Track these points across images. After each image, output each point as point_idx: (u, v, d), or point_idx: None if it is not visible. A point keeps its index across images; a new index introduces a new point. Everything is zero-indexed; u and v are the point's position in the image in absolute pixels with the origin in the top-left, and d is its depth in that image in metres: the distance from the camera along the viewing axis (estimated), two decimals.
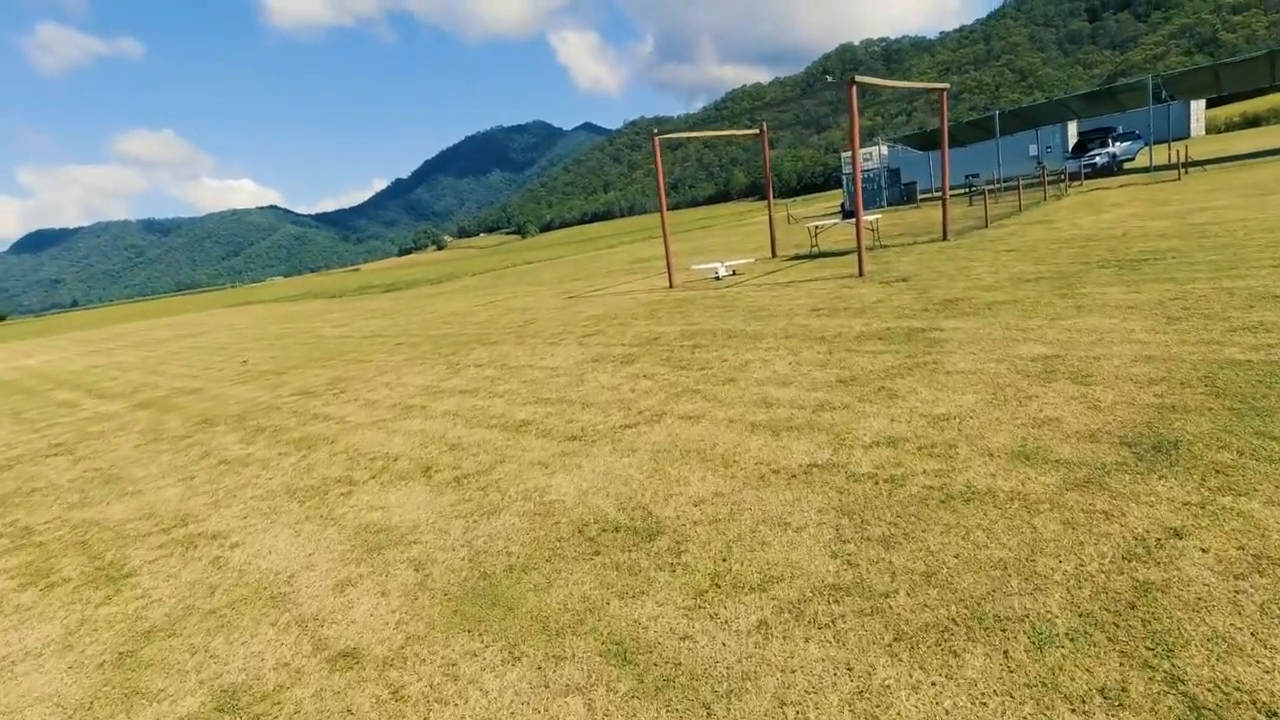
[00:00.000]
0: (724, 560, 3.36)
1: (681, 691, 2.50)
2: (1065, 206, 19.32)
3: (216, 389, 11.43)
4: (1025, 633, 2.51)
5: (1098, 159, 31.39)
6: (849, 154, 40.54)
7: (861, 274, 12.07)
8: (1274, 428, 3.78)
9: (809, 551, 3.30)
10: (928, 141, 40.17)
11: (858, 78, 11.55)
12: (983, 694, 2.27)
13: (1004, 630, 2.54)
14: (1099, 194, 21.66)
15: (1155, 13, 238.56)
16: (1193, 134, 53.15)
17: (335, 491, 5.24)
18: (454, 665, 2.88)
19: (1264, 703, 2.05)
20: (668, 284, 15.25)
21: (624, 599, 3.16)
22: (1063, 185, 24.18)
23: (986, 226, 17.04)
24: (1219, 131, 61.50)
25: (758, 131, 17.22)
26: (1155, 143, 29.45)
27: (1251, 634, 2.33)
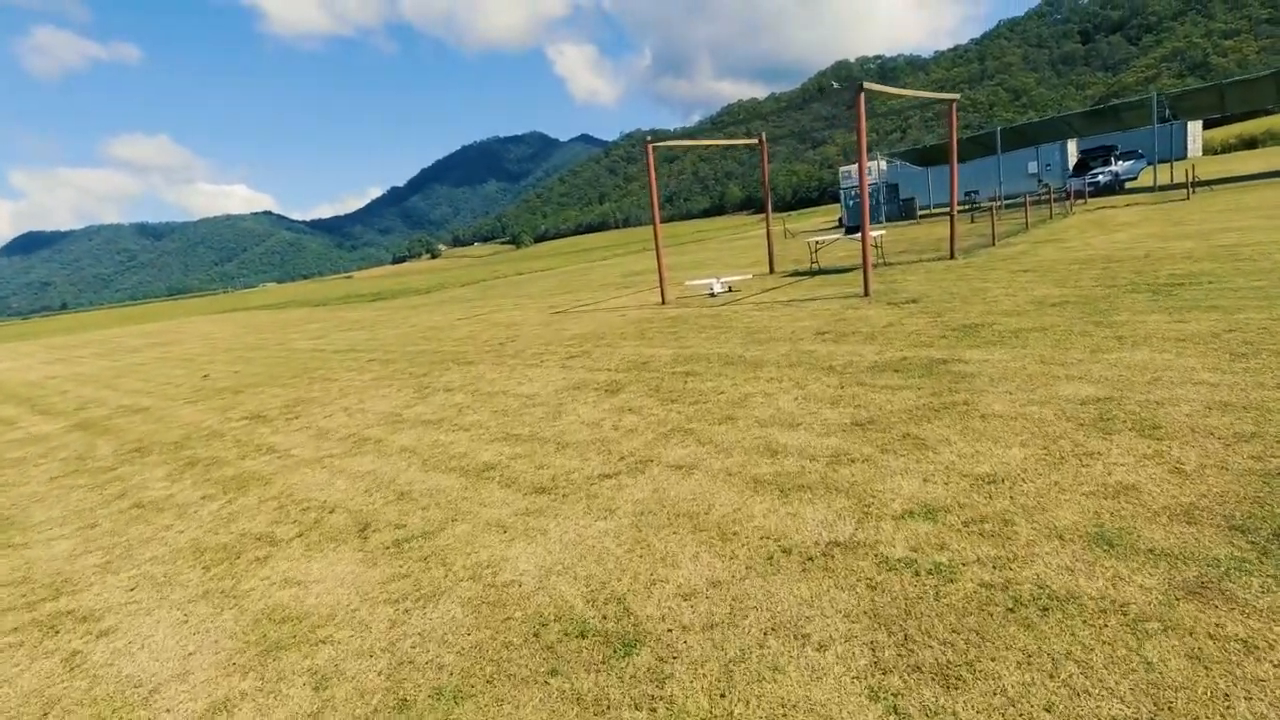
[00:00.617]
0: (722, 696, 2.47)
1: None
2: (1073, 225, 18.62)
3: (165, 408, 10.48)
4: None
5: (1100, 177, 30.84)
6: (847, 168, 39.96)
7: (867, 293, 11.25)
8: None
9: (838, 687, 2.42)
10: (927, 157, 39.63)
11: (867, 85, 10.79)
12: None
13: None
14: (1106, 213, 20.99)
15: (1147, 36, 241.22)
16: (1190, 154, 52.88)
17: (250, 555, 4.33)
18: None
19: None
20: (660, 300, 14.41)
21: None
22: (1068, 203, 23.52)
23: (994, 245, 16.30)
24: (1215, 153, 61.32)
25: (756, 141, 16.46)
26: (1156, 163, 28.88)
27: None
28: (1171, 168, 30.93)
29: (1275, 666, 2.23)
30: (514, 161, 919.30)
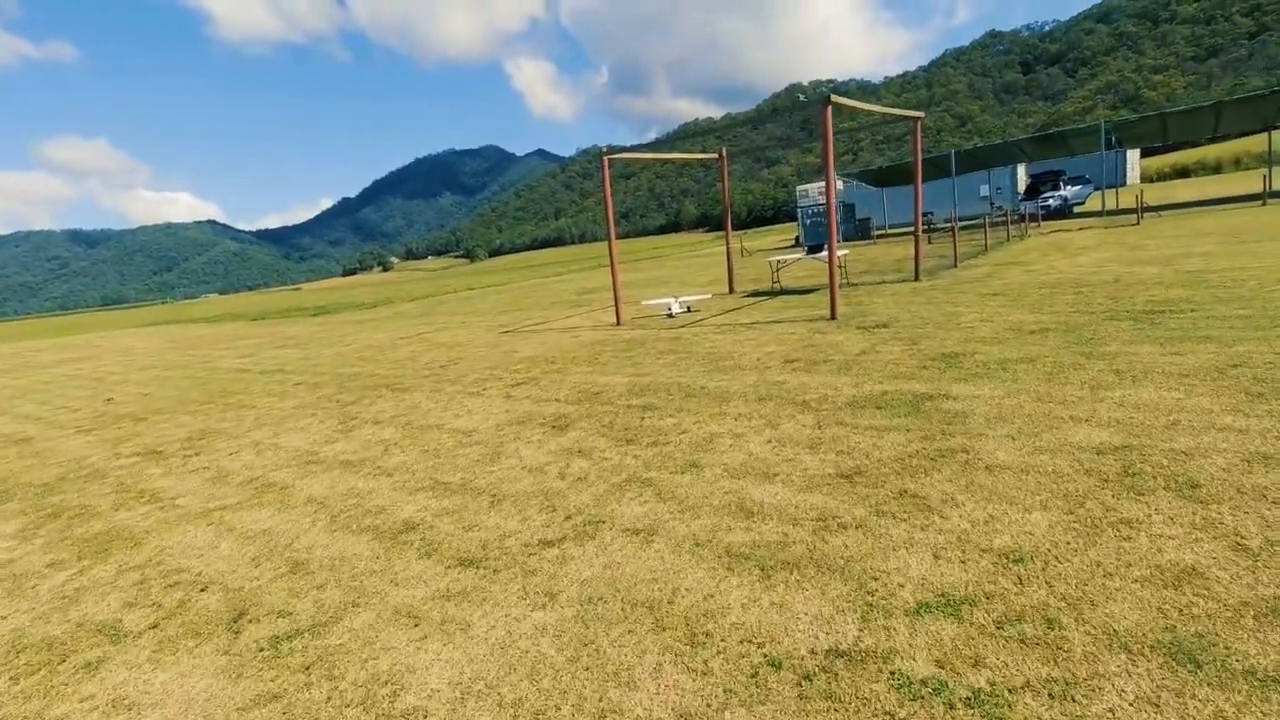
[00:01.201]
0: None
1: None
2: (1032, 247, 18.54)
3: (51, 439, 9.22)
4: None
5: (1050, 201, 31.36)
6: (804, 187, 39.99)
7: (834, 317, 10.67)
8: None
9: None
10: (882, 177, 39.95)
11: (834, 98, 10.26)
12: None
13: None
14: (1061, 236, 21.08)
15: (1082, 69, 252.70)
16: (1129, 181, 54.78)
17: (81, 657, 3.35)
18: None
19: None
20: (615, 321, 13.62)
21: None
22: (1024, 226, 23.64)
23: (956, 266, 16.01)
24: (1151, 180, 63.79)
25: (716, 155, 15.90)
26: (1104, 188, 29.48)
27: None
28: (1117, 193, 31.65)
29: None
30: (470, 175, 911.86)
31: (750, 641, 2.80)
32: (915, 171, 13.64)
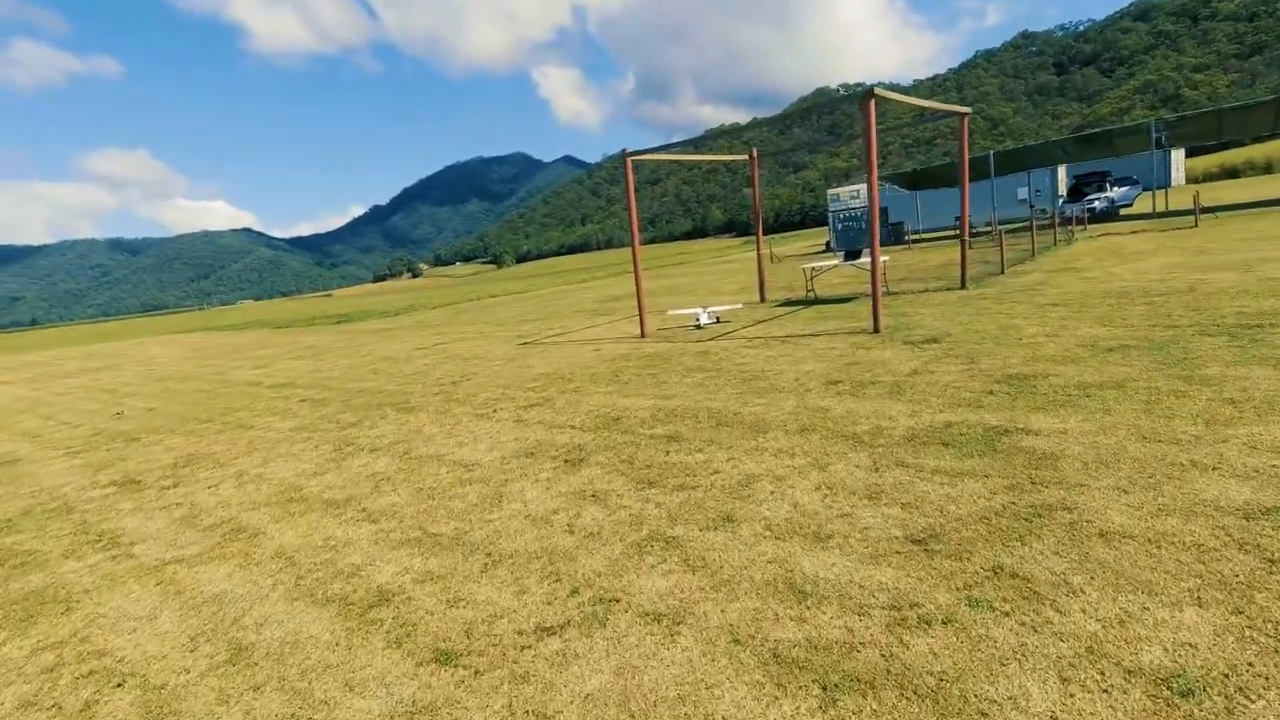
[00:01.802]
0: None
1: None
2: (1082, 252, 17.39)
3: (37, 461, 8.67)
4: None
5: (1096, 203, 29.93)
6: (835, 190, 38.88)
7: (878, 330, 9.76)
8: None
9: None
10: (915, 180, 38.69)
11: (878, 91, 9.38)
12: None
13: None
14: (1112, 240, 19.84)
15: (1119, 69, 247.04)
16: (1173, 182, 52.68)
17: None
18: None
19: None
20: (639, 333, 12.82)
21: None
22: (1070, 230, 22.41)
23: (1003, 273, 14.97)
24: (1197, 181, 61.42)
25: (747, 157, 15.05)
26: (1154, 190, 28.01)
27: None
28: (1168, 195, 30.12)
29: None
30: (497, 182, 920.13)
31: None
32: (961, 172, 12.66)
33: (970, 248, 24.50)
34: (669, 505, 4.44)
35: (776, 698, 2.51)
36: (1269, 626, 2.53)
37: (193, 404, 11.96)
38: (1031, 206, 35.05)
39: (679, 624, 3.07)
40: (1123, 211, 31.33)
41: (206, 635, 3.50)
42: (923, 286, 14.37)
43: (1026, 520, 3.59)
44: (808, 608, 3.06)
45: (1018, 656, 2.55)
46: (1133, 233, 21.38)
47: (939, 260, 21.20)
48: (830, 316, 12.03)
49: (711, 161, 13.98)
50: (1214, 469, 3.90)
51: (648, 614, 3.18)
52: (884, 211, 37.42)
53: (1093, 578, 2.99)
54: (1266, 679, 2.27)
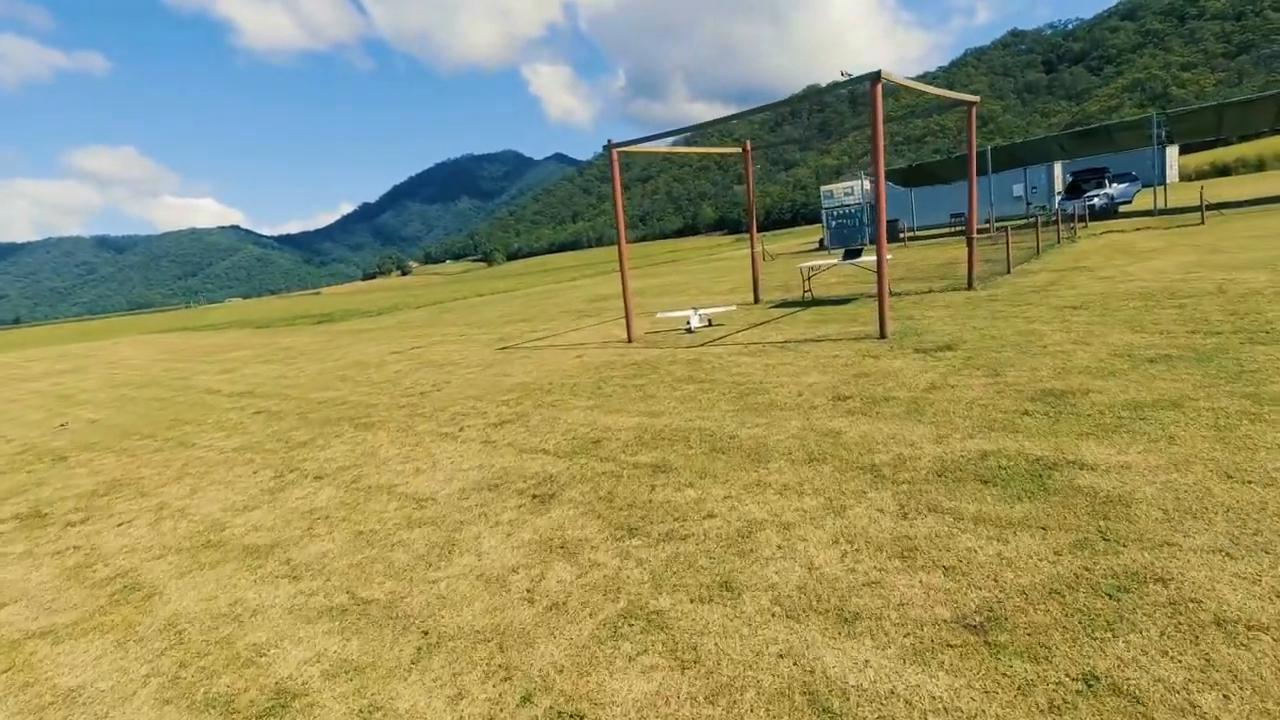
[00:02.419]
0: None
1: None
2: (1090, 250, 16.68)
3: None
4: None
5: (1095, 200, 29.30)
6: (829, 187, 38.14)
7: (884, 335, 8.96)
8: None
9: None
10: (910, 177, 37.99)
11: (885, 75, 8.58)
12: None
13: None
14: (1117, 237, 19.16)
15: (1108, 67, 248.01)
16: (1168, 179, 52.22)
17: None
18: None
19: None
20: (626, 336, 11.98)
21: None
22: (1073, 226, 21.72)
23: (1009, 272, 14.22)
24: (1189, 179, 61.09)
25: (740, 150, 14.23)
26: (1156, 186, 27.41)
27: None
28: (1166, 192, 29.52)
29: None
30: (488, 179, 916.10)
31: None
32: (969, 165, 11.88)
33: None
34: (653, 563, 3.61)
35: None
36: None
37: (142, 415, 11.04)
38: (1028, 204, 34.44)
39: None
40: (1121, 208, 30.73)
41: None
42: (926, 287, 13.60)
43: (1111, 598, 2.78)
44: None
45: None
46: (1137, 230, 20.71)
47: (939, 258, 20.48)
48: (830, 319, 11.23)
49: (703, 154, 13.18)
50: None
51: None
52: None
53: (1227, 697, 2.18)
54: None
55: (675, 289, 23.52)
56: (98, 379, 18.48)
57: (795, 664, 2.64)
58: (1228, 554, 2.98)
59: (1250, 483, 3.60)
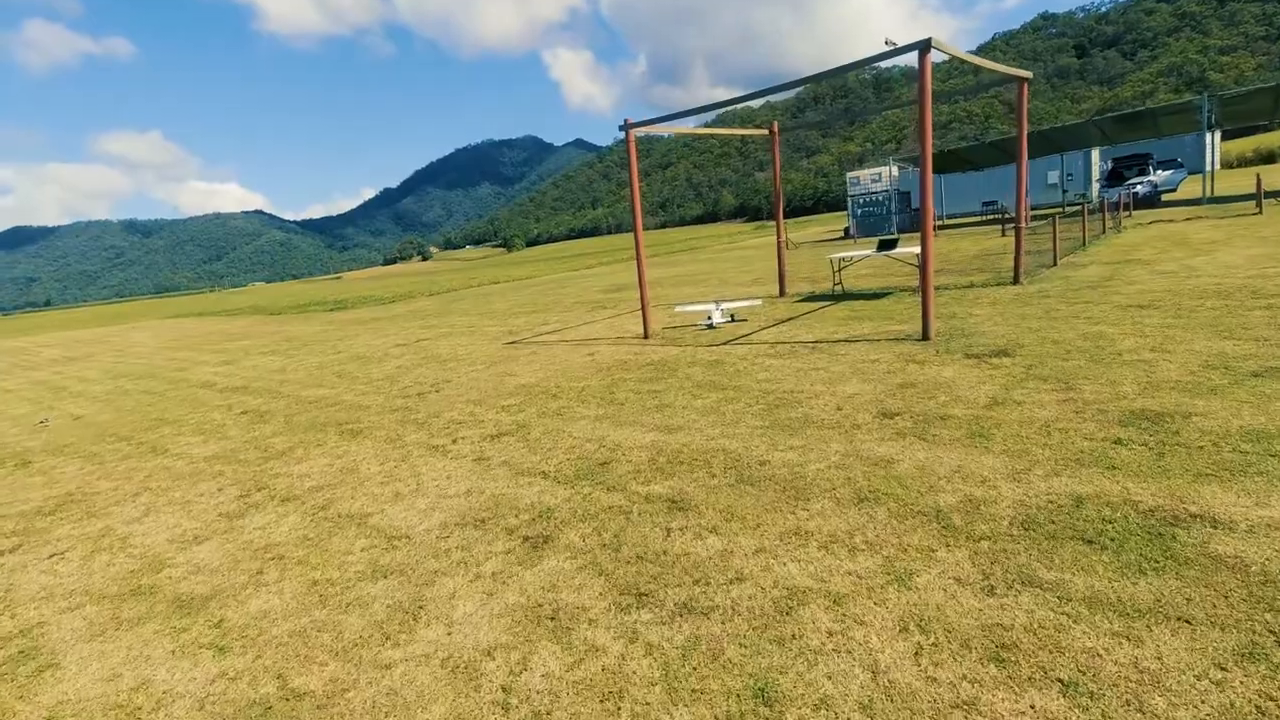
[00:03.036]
0: None
1: None
2: (1139, 241, 15.52)
3: None
4: None
5: (1139, 188, 27.86)
6: (854, 173, 36.88)
7: (927, 336, 8.05)
8: None
9: None
10: (941, 163, 36.56)
11: (935, 42, 7.61)
12: None
13: None
14: (1168, 228, 17.92)
15: (1142, 51, 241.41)
16: (1208, 167, 50.17)
17: None
18: None
19: None
20: (642, 332, 11.14)
21: None
22: (1118, 216, 20.47)
23: (1055, 264, 13.16)
24: (1232, 166, 58.81)
25: (768, 132, 13.26)
26: (1205, 173, 25.94)
27: None
28: (1213, 179, 27.99)
29: None
30: (508, 165, 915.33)
31: None
32: (1020, 147, 10.85)
33: (1003, 235, 22.65)
34: (667, 650, 2.79)
35: None
36: None
37: (128, 412, 10.40)
38: (1064, 191, 32.98)
39: None
40: (1164, 197, 29.23)
41: None
42: (967, 281, 12.59)
43: None
44: None
45: None
46: (1187, 220, 19.43)
47: (973, 249, 19.37)
48: (864, 316, 10.30)
49: (729, 135, 12.25)
50: None
51: None
52: (905, 196, 35.40)
53: None
54: None
55: (695, 279, 22.60)
56: (100, 368, 17.99)
57: None
58: None
59: None
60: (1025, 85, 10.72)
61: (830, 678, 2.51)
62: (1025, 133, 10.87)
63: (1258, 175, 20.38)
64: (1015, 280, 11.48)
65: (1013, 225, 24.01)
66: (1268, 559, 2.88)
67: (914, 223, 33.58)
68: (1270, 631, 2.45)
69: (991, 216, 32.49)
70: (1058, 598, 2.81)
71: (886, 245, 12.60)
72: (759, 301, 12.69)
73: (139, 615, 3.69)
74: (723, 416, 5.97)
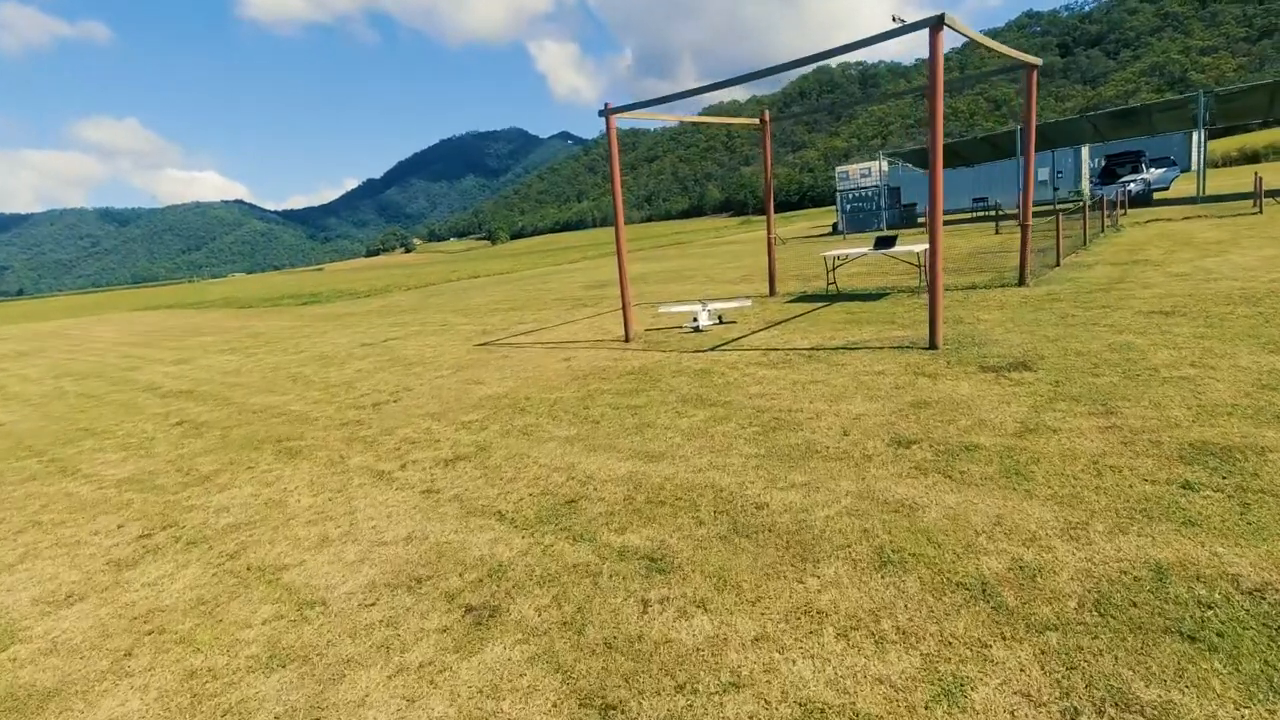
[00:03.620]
0: None
1: None
2: (1141, 241, 14.93)
3: None
4: None
5: (1132, 186, 27.41)
6: (842, 168, 36.22)
7: (935, 344, 7.31)
8: None
9: None
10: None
11: (949, 19, 6.85)
12: None
13: None
14: (1168, 226, 17.37)
15: (1125, 50, 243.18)
16: (1194, 165, 50.09)
17: None
18: None
19: None
20: (623, 335, 10.33)
21: None
22: (1114, 214, 19.93)
23: (1059, 265, 12.51)
24: (1216, 165, 58.91)
25: (758, 121, 12.46)
26: (1199, 171, 25.52)
27: None
28: (1204, 178, 27.59)
29: None
30: (493, 157, 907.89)
31: None
32: (1027, 139, 10.14)
33: (997, 233, 22.05)
34: None
35: None
36: None
37: (55, 419, 9.46)
38: (1055, 189, 32.53)
39: None
40: (1156, 195, 28.83)
41: None
42: (967, 281, 11.89)
43: None
44: None
45: None
46: (1186, 219, 18.90)
47: (966, 246, 18.73)
48: (862, 319, 9.56)
49: (719, 124, 11.43)
50: None
51: None
52: (895, 191, 34.79)
53: None
54: None
55: (681, 275, 21.81)
56: (47, 365, 16.91)
57: None
58: None
59: None
60: (1035, 73, 10.00)
61: None
62: (1034, 122, 10.16)
63: (1258, 175, 19.90)
64: (1021, 281, 10.79)
65: (1007, 222, 23.43)
66: None
67: (903, 218, 33.00)
68: None
69: (982, 213, 31.94)
70: None
71: (884, 243, 11.85)
72: (748, 302, 11.92)
73: None
74: (711, 441, 5.19)
